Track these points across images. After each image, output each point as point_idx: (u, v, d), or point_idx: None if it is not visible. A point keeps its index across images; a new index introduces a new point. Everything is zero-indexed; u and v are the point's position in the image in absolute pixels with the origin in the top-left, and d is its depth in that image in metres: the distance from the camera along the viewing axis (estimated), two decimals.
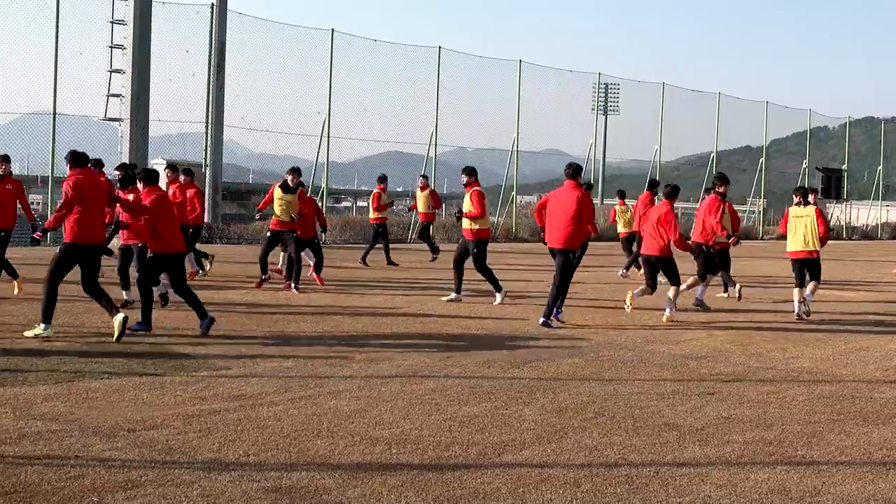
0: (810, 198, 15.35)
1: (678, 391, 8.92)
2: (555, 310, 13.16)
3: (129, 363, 9.32)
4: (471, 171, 15.69)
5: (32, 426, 6.83)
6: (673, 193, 14.87)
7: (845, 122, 57.71)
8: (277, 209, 16.22)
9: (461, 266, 15.46)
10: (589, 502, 5.68)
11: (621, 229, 22.79)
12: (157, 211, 11.59)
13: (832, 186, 50.03)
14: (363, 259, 21.88)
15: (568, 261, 13.16)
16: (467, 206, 15.17)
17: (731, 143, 54.18)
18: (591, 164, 43.63)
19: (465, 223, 15.26)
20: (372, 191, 23.32)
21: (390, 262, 21.87)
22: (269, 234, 16.64)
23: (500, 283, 15.34)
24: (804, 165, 53.28)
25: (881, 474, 6.45)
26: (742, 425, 7.68)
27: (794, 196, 15.23)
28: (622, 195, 23.31)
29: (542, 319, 12.89)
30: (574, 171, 13.19)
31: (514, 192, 38.59)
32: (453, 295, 15.35)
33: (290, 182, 16.33)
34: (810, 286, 15.04)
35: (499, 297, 15.14)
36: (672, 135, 45.82)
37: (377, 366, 9.64)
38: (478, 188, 15.37)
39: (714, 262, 16.02)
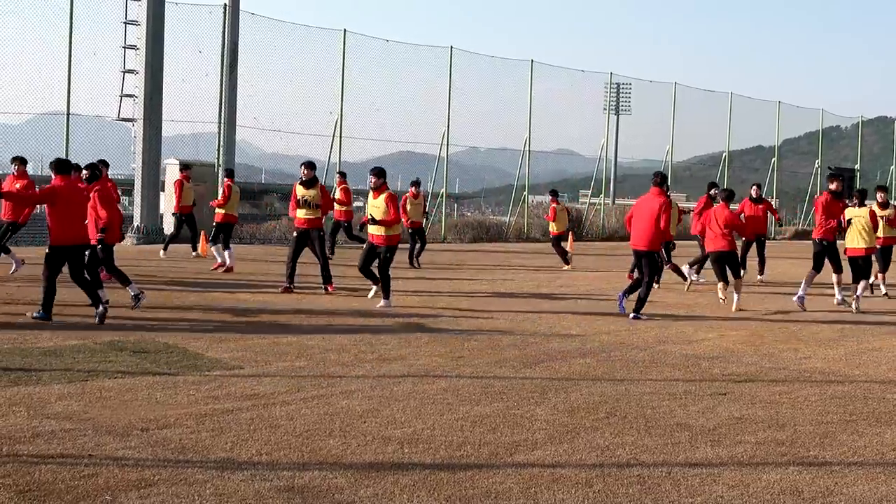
0: (879, 196, 18.65)
1: (690, 391, 8.92)
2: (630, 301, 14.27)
3: (143, 363, 9.36)
4: (379, 173, 14.56)
5: (46, 425, 6.87)
6: (730, 197, 16.51)
7: (858, 122, 57.49)
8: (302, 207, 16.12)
9: (368, 270, 14.90)
10: (601, 502, 5.68)
11: (554, 228, 23.37)
12: (43, 199, 12.17)
13: (844, 186, 49.88)
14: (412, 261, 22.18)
15: (653, 261, 14.21)
16: (381, 211, 14.13)
17: (743, 143, 54.03)
18: (603, 164, 43.57)
19: (375, 229, 14.35)
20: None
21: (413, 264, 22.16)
22: (295, 234, 16.33)
23: (391, 292, 14.59)
24: (816, 165, 53.10)
25: (894, 475, 6.44)
26: (754, 426, 7.67)
27: (876, 194, 18.77)
28: (555, 195, 23.87)
29: (632, 314, 13.93)
30: (661, 179, 14.31)
31: (525, 193, 38.57)
32: (374, 288, 15.14)
33: (303, 176, 16.27)
34: (861, 284, 16.15)
35: (383, 302, 14.31)
36: (684, 135, 45.80)
37: (389, 365, 9.66)
38: (389, 191, 14.39)
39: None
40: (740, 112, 47.83)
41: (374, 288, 14.98)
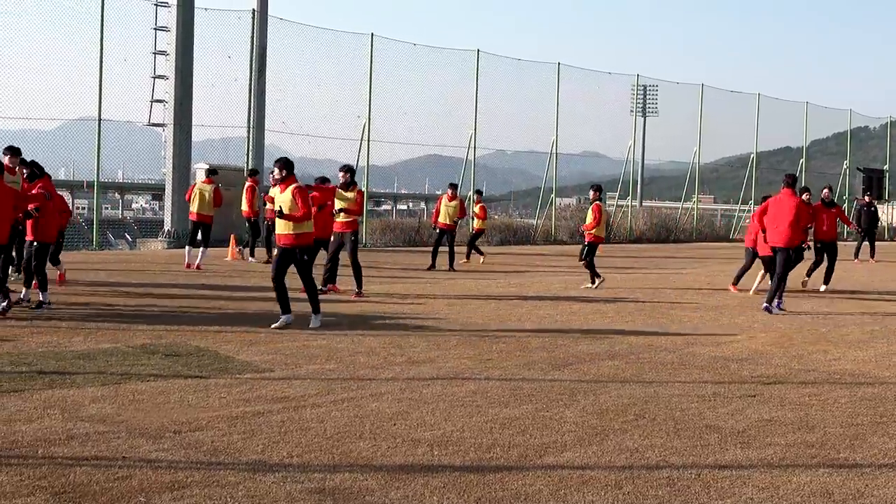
0: None
1: (719, 393, 8.91)
2: (776, 300, 15.43)
3: (175, 365, 9.44)
4: (284, 164, 12.66)
5: (81, 427, 6.95)
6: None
7: (886, 122, 57.02)
8: (339, 209, 16.16)
9: (283, 283, 12.56)
10: None
11: (443, 220, 23.03)
12: None
13: (874, 187, 49.49)
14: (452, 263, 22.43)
15: (788, 257, 15.58)
16: (288, 205, 12.41)
17: (770, 144, 53.74)
18: (630, 167, 43.46)
19: (282, 227, 12.52)
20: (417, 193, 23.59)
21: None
22: (332, 238, 16.31)
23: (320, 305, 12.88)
24: (845, 166, 52.77)
25: None
26: (784, 427, 7.66)
27: None
28: (454, 187, 23.75)
29: (764, 304, 15.38)
30: (791, 181, 15.89)
31: (553, 195, 38.54)
32: (283, 319, 12.46)
33: (341, 179, 16.32)
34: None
35: (313, 319, 12.41)
36: (711, 136, 45.57)
37: (418, 368, 9.70)
38: (297, 184, 12.63)
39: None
40: (768, 113, 47.64)
41: (283, 318, 12.36)
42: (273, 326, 12.08)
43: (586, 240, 18.60)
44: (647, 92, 61.72)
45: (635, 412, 8.03)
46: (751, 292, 17.90)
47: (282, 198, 12.52)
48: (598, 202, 18.70)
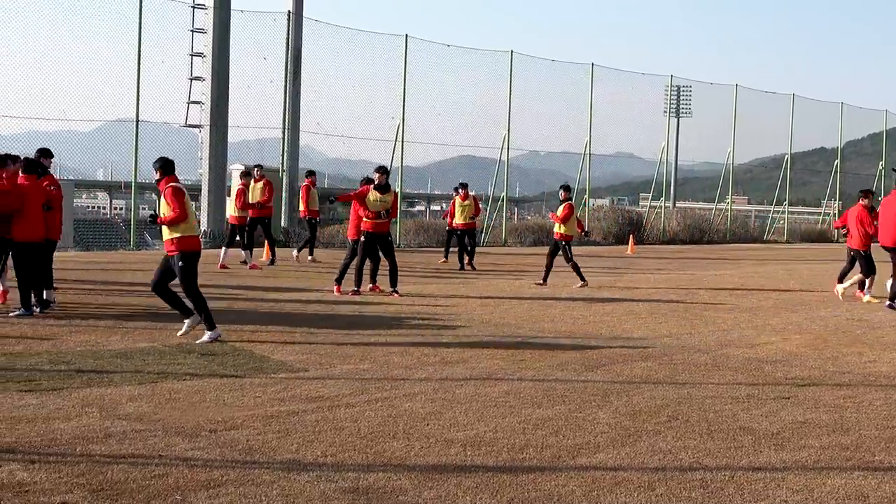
0: None
1: (753, 395, 8.88)
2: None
3: (211, 365, 9.53)
4: (162, 165, 11.42)
5: (118, 426, 7.03)
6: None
7: None
8: (372, 209, 16.14)
9: (166, 290, 11.46)
10: None
11: (458, 221, 23.16)
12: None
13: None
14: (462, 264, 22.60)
15: None
16: (164, 207, 11.27)
17: (805, 145, 53.35)
18: (663, 168, 43.27)
19: (164, 233, 11.36)
20: (449, 194, 23.70)
21: (468, 266, 22.44)
22: (363, 239, 16.20)
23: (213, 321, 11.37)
24: (880, 167, 52.30)
25: None
26: (818, 430, 7.62)
27: None
28: (465, 187, 23.75)
29: (887, 303, 16.14)
30: None
31: (586, 196, 38.45)
32: (187, 323, 11.39)
33: (376, 180, 16.33)
34: None
35: (207, 335, 10.98)
36: (745, 137, 45.33)
37: (452, 368, 9.74)
38: (173, 185, 11.31)
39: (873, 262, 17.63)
40: (802, 114, 47.36)
41: (186, 322, 11.38)
42: (178, 335, 11.18)
43: (555, 238, 19.08)
44: (681, 92, 61.47)
45: (668, 413, 8.02)
46: (840, 295, 17.70)
47: (162, 200, 11.38)
48: (569, 201, 18.92)
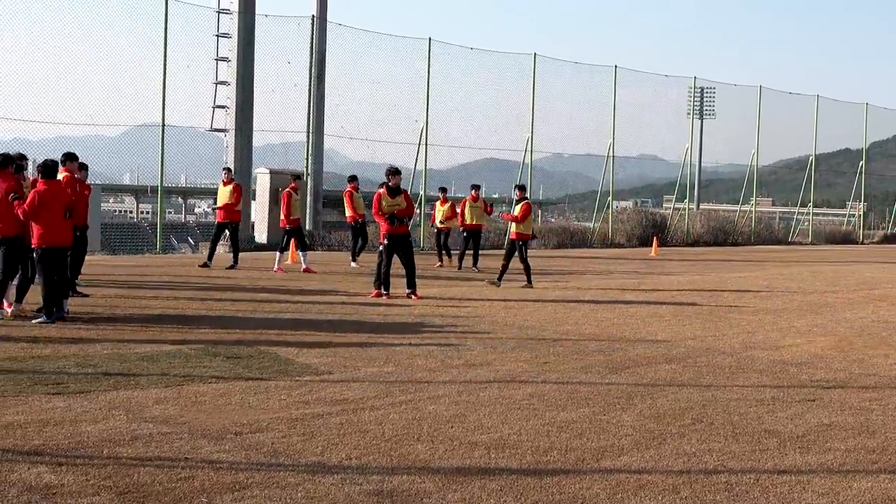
0: None
1: (778, 398, 8.85)
2: None
3: (236, 368, 9.58)
4: (55, 163, 11.93)
5: (144, 428, 7.09)
6: None
7: None
8: (385, 212, 16.15)
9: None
10: None
11: (469, 221, 23.18)
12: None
13: None
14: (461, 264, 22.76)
15: None
16: None
17: (829, 146, 53.12)
18: (687, 169, 43.14)
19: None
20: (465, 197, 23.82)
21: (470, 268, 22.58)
22: (386, 242, 16.16)
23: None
24: None
25: None
26: (844, 432, 7.59)
27: None
28: (476, 188, 23.90)
29: None
30: None
31: (610, 198, 38.38)
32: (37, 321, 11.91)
33: (391, 183, 16.33)
34: None
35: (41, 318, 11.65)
36: (769, 138, 45.15)
37: (475, 371, 9.75)
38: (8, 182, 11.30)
39: None
40: (827, 115, 47.12)
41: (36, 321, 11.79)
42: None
43: (511, 238, 18.92)
44: (705, 94, 61.22)
45: (693, 416, 8.01)
46: None
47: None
48: (525, 201, 18.85)
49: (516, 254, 18.75)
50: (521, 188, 19.69)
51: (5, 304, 12.48)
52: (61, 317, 12.24)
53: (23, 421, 7.16)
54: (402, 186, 16.57)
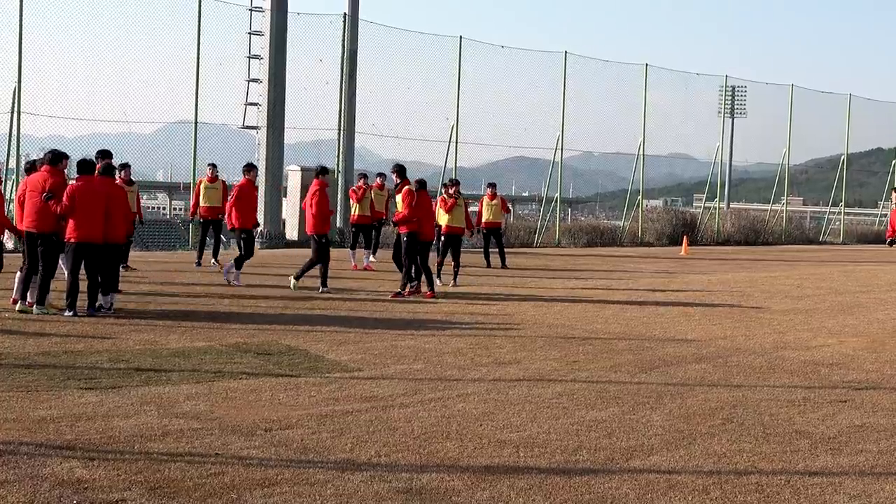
0: None
1: (809, 398, 8.79)
2: None
3: (266, 364, 9.63)
4: (92, 161, 12.68)
5: (175, 424, 7.14)
6: None
7: None
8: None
9: None
10: None
11: (487, 219, 23.07)
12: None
13: None
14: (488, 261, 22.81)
15: None
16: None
17: (861, 146, 52.61)
18: (717, 168, 42.88)
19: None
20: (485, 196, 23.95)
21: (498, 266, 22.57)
22: (405, 238, 16.10)
23: None
24: None
25: None
26: (876, 434, 7.53)
27: None
28: (493, 186, 23.72)
29: None
30: None
31: (640, 197, 38.23)
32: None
33: (396, 179, 16.34)
34: None
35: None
36: (801, 137, 44.79)
37: (505, 369, 9.75)
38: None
39: None
40: (859, 114, 46.69)
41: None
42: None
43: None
44: (736, 93, 60.80)
45: (723, 416, 7.97)
46: None
47: None
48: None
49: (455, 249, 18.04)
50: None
51: (28, 300, 12.67)
52: (91, 313, 12.43)
53: (55, 415, 7.23)
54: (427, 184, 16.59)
